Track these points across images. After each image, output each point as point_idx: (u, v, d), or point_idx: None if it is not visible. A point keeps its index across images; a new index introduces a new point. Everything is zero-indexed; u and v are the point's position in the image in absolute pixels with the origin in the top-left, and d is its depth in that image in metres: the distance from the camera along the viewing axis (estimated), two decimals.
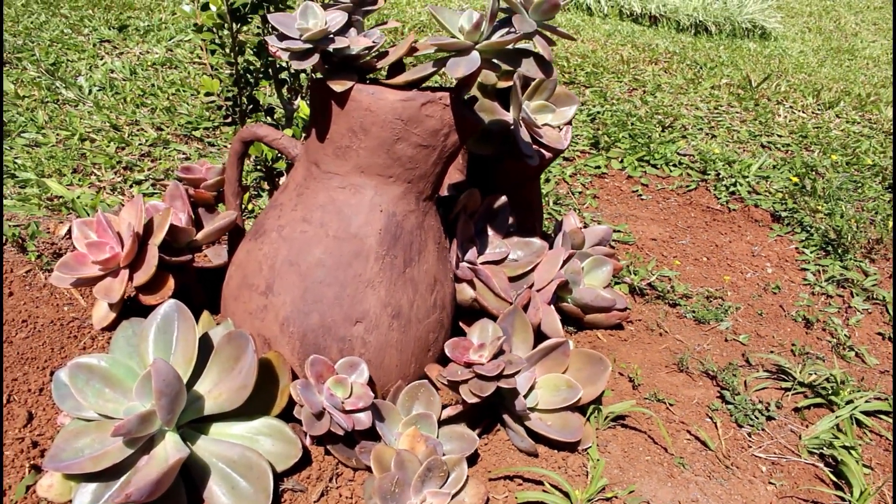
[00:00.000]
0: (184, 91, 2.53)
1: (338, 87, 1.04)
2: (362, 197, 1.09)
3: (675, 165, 2.55)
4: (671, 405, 1.41)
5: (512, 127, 1.37)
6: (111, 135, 2.10)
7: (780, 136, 2.92)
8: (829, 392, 1.46)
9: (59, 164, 1.87)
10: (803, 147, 2.84)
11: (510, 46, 1.07)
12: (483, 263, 1.37)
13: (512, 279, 1.38)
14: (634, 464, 1.24)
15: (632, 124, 2.82)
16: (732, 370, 1.52)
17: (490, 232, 1.41)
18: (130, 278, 1.16)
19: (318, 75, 1.09)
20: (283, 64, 1.48)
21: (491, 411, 1.23)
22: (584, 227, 1.75)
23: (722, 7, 5.68)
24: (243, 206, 1.62)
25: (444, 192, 1.50)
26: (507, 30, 1.05)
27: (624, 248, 2.05)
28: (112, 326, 1.24)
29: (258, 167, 1.46)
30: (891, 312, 1.83)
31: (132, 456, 0.99)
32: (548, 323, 1.36)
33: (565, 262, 1.43)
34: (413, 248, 1.12)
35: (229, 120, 1.38)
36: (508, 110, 1.41)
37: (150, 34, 3.11)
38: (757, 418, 1.40)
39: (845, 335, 1.72)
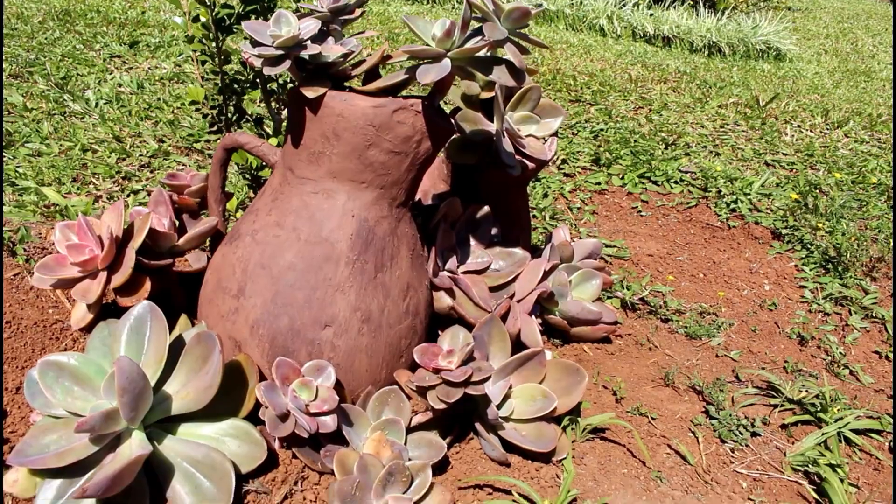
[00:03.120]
0: (188, 105, 2.57)
1: (310, 93, 1.05)
2: (335, 202, 1.10)
3: (676, 182, 2.54)
4: (653, 419, 1.39)
5: (494, 137, 1.37)
6: (113, 146, 2.14)
7: (785, 154, 2.89)
8: (818, 409, 1.44)
9: (59, 173, 1.90)
10: (808, 165, 2.81)
11: (483, 54, 1.08)
12: (464, 273, 1.37)
13: (493, 289, 1.38)
14: (610, 476, 1.22)
15: (634, 141, 2.82)
16: (720, 385, 1.50)
17: (472, 241, 1.41)
18: (108, 280, 1.17)
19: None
20: (272, 75, 1.50)
21: (464, 419, 1.22)
22: (577, 240, 1.75)
23: (736, 29, 5.68)
24: (229, 214, 1.64)
25: (427, 201, 1.51)
26: (479, 38, 1.06)
27: (619, 263, 2.04)
28: (90, 327, 1.25)
29: (245, 175, 1.48)
30: (889, 331, 1.79)
31: (98, 453, 1.00)
32: (527, 333, 1.36)
33: (548, 273, 1.42)
34: (385, 254, 1.12)
35: (215, 128, 1.40)
36: (492, 121, 1.42)
37: (160, 50, 3.17)
38: (741, 434, 1.38)
39: (840, 353, 1.69)
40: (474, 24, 1.07)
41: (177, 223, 1.34)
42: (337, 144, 1.07)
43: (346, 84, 1.17)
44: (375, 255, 1.11)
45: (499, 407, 1.20)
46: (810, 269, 2.07)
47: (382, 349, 1.13)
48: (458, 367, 1.07)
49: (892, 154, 2.72)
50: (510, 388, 1.24)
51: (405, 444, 1.09)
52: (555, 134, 1.48)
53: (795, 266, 2.11)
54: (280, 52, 1.03)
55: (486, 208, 1.41)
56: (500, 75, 1.05)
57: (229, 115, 1.39)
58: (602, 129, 2.95)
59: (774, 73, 4.91)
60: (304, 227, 1.10)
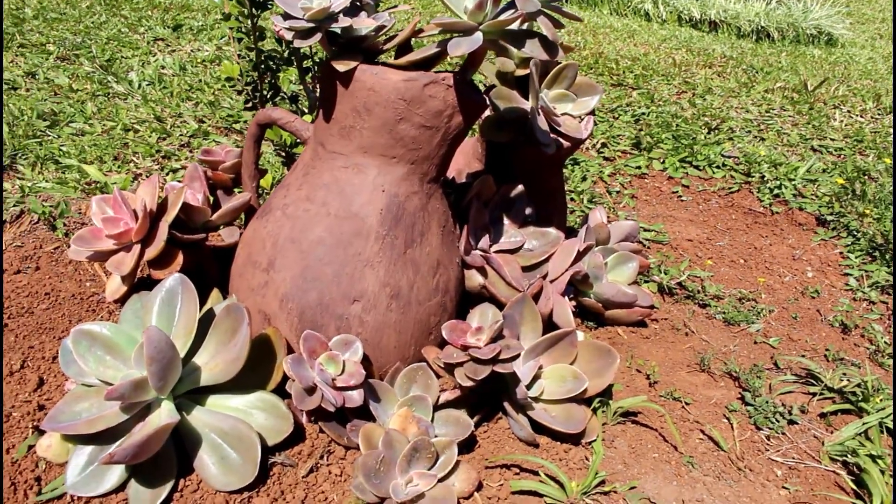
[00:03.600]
0: (224, 81, 2.59)
1: (341, 66, 1.05)
2: (365, 177, 1.09)
3: (718, 167, 2.48)
4: (687, 404, 1.37)
5: (529, 115, 1.35)
6: (153, 126, 2.17)
7: (833, 139, 2.80)
8: (860, 399, 1.39)
9: (100, 151, 1.94)
10: (857, 151, 2.72)
11: (515, 27, 1.06)
12: (496, 252, 1.36)
13: (525, 269, 1.37)
14: (640, 460, 1.20)
15: (677, 126, 2.76)
16: (757, 372, 1.47)
17: (506, 220, 1.39)
18: (142, 253, 1.19)
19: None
20: (307, 52, 1.50)
21: (493, 399, 1.21)
22: (614, 222, 1.72)
23: (786, 13, 5.52)
24: (264, 190, 1.65)
25: (461, 179, 1.49)
26: (512, 10, 1.04)
27: (657, 247, 2.00)
28: (124, 299, 1.27)
29: (279, 152, 1.48)
30: None
31: (128, 421, 1.02)
32: (559, 314, 1.34)
33: (582, 253, 1.40)
34: (415, 230, 1.12)
35: (250, 105, 1.40)
36: (527, 98, 1.40)
37: (203, 33, 3.21)
38: (777, 421, 1.34)
39: (885, 342, 1.64)
40: None
41: (211, 198, 1.35)
42: (368, 119, 1.07)
43: (379, 58, 1.16)
44: (405, 230, 1.10)
45: (528, 387, 1.19)
46: (856, 257, 2.00)
47: (411, 326, 1.12)
48: (487, 345, 1.06)
49: (892, 149, 2.62)
50: (540, 368, 1.22)
51: (432, 421, 1.09)
52: (592, 112, 1.45)
53: (840, 253, 2.04)
54: (311, 24, 1.02)
55: (520, 187, 1.39)
56: (533, 49, 1.03)
57: (264, 91, 1.39)
58: (644, 114, 2.90)
59: (825, 59, 4.77)
60: (334, 202, 1.09)
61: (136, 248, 1.19)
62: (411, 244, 1.11)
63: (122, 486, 1.00)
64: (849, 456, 1.27)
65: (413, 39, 1.16)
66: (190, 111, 2.33)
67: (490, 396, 1.21)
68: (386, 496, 0.97)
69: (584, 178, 2.33)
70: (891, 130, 2.98)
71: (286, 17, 1.04)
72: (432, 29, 1.08)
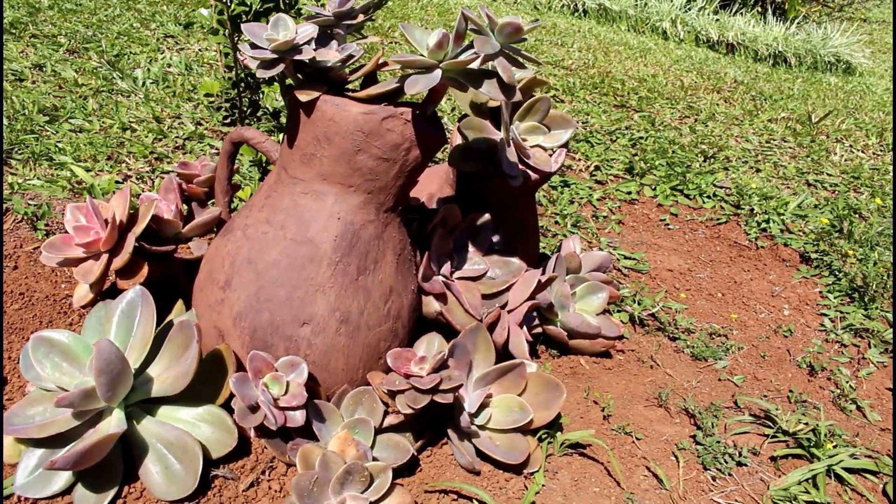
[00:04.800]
0: (207, 103, 2.64)
1: (304, 96, 1.08)
2: (323, 204, 1.13)
3: (709, 197, 2.50)
4: (638, 439, 1.39)
5: (498, 146, 1.38)
6: (151, 126, 2.22)
7: (829, 174, 2.80)
8: (812, 444, 1.41)
9: (95, 150, 1.99)
10: (852, 188, 2.72)
11: (474, 66, 1.09)
12: (459, 279, 1.39)
13: (486, 297, 1.39)
14: (581, 493, 1.23)
15: (673, 152, 2.77)
16: (714, 411, 1.48)
17: (471, 248, 1.42)
18: (109, 263, 1.23)
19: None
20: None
21: (440, 424, 1.24)
22: (587, 251, 1.74)
23: (804, 39, 5.49)
24: (242, 202, 1.69)
25: (432, 205, 1.52)
26: (472, 51, 1.07)
27: (635, 276, 2.02)
28: (91, 305, 1.31)
29: (258, 167, 1.52)
30: None
31: (79, 427, 1.06)
32: (515, 344, 1.37)
33: (544, 284, 1.42)
34: (369, 258, 1.15)
35: (228, 121, 1.44)
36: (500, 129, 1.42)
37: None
38: (726, 462, 1.36)
39: (850, 387, 1.65)
40: (471, 36, 1.08)
41: (185, 211, 1.39)
42: (328, 148, 1.10)
43: (348, 89, 1.19)
44: (358, 257, 1.14)
45: (476, 415, 1.22)
46: (834, 297, 2.01)
47: (360, 350, 1.15)
48: (429, 374, 1.09)
49: (893, 170, 2.61)
50: (489, 396, 1.25)
51: (374, 444, 1.12)
52: (565, 145, 1.47)
53: (820, 292, 2.05)
54: (275, 55, 1.05)
55: (487, 216, 1.41)
56: (490, 89, 1.06)
57: (243, 108, 1.43)
58: (642, 138, 2.91)
59: (841, 87, 4.74)
60: (291, 226, 1.13)
61: (104, 257, 1.23)
62: (364, 271, 1.14)
63: (68, 490, 1.04)
64: (791, 502, 1.28)
65: (377, 71, 1.19)
66: (189, 113, 2.37)
67: (437, 421, 1.24)
68: None
69: (571, 202, 2.35)
70: (890, 168, 2.97)
71: (253, 46, 1.07)
72: (396, 63, 1.11)
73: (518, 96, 1.11)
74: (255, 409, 1.06)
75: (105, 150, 2.01)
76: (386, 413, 1.16)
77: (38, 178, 1.76)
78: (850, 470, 1.38)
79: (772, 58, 5.38)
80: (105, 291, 1.39)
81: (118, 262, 1.21)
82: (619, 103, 3.33)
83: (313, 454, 1.04)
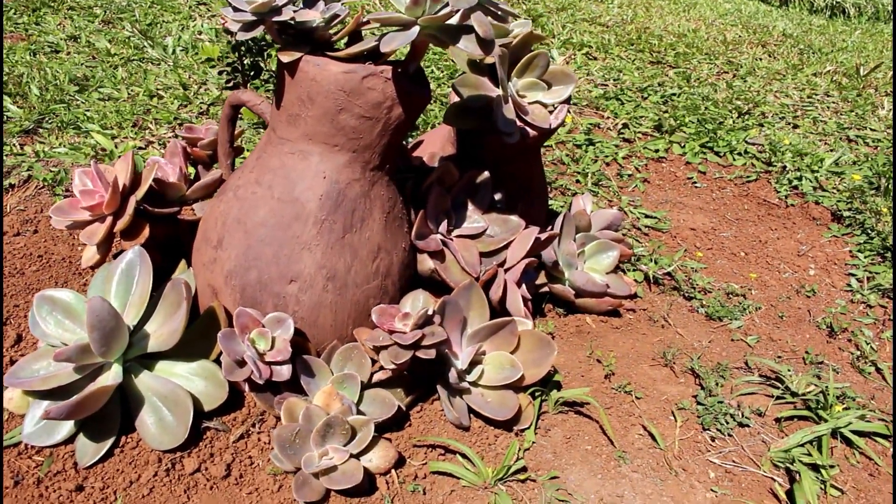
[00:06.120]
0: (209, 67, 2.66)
1: (285, 57, 1.09)
2: (308, 163, 1.14)
3: (739, 154, 2.42)
4: (638, 398, 1.38)
5: (494, 103, 1.36)
6: (177, 92, 2.26)
7: (873, 129, 2.68)
8: (819, 406, 1.38)
9: (121, 118, 2.05)
10: None
11: (454, 21, 1.07)
12: (457, 237, 1.39)
13: (485, 254, 1.39)
14: (572, 451, 1.23)
15: (705, 108, 2.69)
16: (721, 371, 1.46)
17: (470, 206, 1.42)
18: (113, 224, 1.27)
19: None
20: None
21: (431, 380, 1.25)
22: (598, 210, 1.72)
23: None
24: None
25: (434, 163, 1.52)
26: (449, 7, 1.05)
27: (655, 235, 1.99)
28: (99, 265, 1.37)
29: (259, 130, 1.54)
30: None
31: (80, 381, 1.11)
32: (511, 301, 1.37)
33: (544, 242, 1.42)
34: (355, 216, 1.16)
35: (231, 84, 1.46)
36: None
37: None
38: (726, 423, 1.34)
39: (872, 349, 1.60)
40: None
41: (190, 173, 1.43)
42: (311, 108, 1.11)
43: (335, 49, 1.20)
44: (344, 215, 1.15)
45: (468, 372, 1.23)
46: (865, 257, 1.94)
47: (348, 306, 1.17)
48: (412, 331, 1.10)
49: (893, 155, 2.47)
50: (483, 353, 1.26)
51: (360, 399, 1.14)
52: (567, 101, 1.45)
53: (850, 252, 1.98)
54: (254, 17, 1.06)
55: (486, 174, 1.41)
56: (467, 45, 1.05)
57: (246, 71, 1.45)
58: (674, 94, 2.83)
59: None
60: (278, 186, 1.15)
61: (108, 219, 1.28)
62: (350, 229, 1.16)
63: (71, 439, 1.10)
64: (791, 464, 1.26)
65: (368, 30, 1.19)
66: (214, 79, 2.42)
67: (430, 378, 1.26)
68: (298, 467, 1.03)
69: (594, 160, 2.31)
70: None
71: (235, 9, 1.09)
72: (376, 22, 1.11)
73: (498, 51, 1.10)
74: (241, 363, 1.09)
75: (131, 118, 2.07)
76: (380, 368, 1.18)
77: (63, 146, 1.83)
78: (859, 433, 1.34)
79: (829, 9, 5.14)
80: (117, 254, 1.44)
81: (121, 224, 1.25)
82: (655, 59, 3.24)
83: (297, 407, 1.07)
